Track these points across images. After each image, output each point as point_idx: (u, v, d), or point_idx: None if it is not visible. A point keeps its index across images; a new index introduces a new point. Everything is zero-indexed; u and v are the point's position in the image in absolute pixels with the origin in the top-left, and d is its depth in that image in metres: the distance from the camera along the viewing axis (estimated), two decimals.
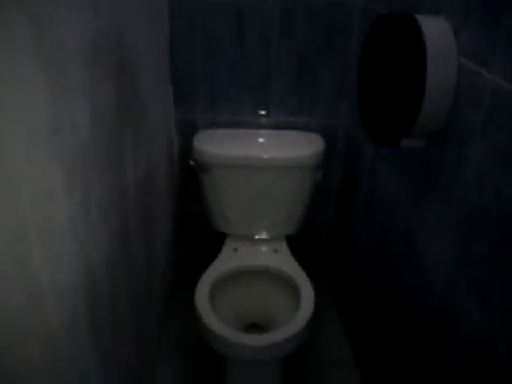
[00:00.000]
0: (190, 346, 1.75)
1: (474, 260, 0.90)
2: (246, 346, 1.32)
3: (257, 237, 1.73)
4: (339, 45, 1.63)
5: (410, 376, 1.22)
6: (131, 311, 1.11)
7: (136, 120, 1.15)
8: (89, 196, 0.78)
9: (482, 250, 0.87)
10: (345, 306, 1.88)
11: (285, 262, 1.63)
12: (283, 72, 1.66)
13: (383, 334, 1.42)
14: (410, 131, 0.99)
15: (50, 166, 0.63)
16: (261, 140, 1.69)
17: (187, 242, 1.98)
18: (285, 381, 1.55)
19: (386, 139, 1.06)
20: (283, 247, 1.71)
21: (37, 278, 0.58)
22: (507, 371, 0.80)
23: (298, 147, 1.63)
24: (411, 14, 0.96)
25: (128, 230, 1.06)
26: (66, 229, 0.68)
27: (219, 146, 1.61)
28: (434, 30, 0.94)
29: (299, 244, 1.78)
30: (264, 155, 1.58)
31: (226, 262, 1.62)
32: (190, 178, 1.76)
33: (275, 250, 1.69)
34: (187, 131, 1.71)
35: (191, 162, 1.64)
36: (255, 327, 1.63)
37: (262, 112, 1.73)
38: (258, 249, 1.71)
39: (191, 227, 1.95)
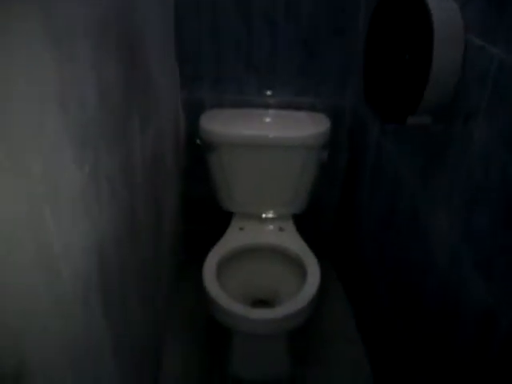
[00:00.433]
0: (197, 322, 1.78)
1: (479, 235, 0.91)
2: (253, 320, 1.35)
3: (263, 215, 1.75)
4: (345, 25, 1.62)
5: (414, 351, 1.25)
6: (139, 286, 1.14)
7: (144, 98, 1.16)
8: (98, 170, 0.80)
9: (487, 226, 0.88)
10: (350, 284, 1.91)
11: (291, 241, 1.65)
12: (289, 52, 1.66)
13: (388, 309, 1.45)
14: (416, 108, 0.99)
15: (60, 140, 0.64)
16: (267, 120, 1.70)
17: (194, 222, 2.00)
18: (291, 355, 1.59)
19: (392, 116, 1.07)
20: (289, 226, 1.73)
21: (51, 245, 0.60)
22: (508, 345, 0.81)
23: (304, 127, 1.64)
24: None
25: (136, 205, 1.07)
26: (78, 200, 0.70)
27: (226, 125, 1.62)
28: (441, 7, 0.93)
29: (305, 223, 1.80)
30: (270, 135, 1.59)
31: (232, 240, 1.65)
32: (196, 159, 1.78)
33: (281, 229, 1.71)
34: (193, 111, 1.72)
35: (198, 142, 1.65)
36: (262, 303, 1.66)
37: (268, 92, 1.73)
38: (265, 227, 1.73)
39: (198, 207, 1.97)
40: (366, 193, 1.67)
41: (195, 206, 1.97)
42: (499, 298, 0.84)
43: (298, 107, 1.74)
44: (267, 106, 1.74)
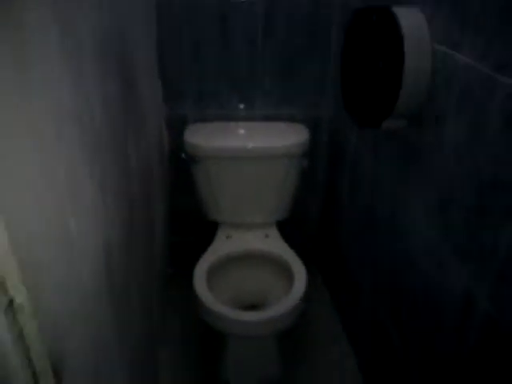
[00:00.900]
0: (188, 331, 1.82)
1: (454, 226, 0.99)
2: (244, 323, 1.40)
3: (248, 222, 1.81)
4: (320, 39, 1.72)
5: (400, 347, 1.32)
6: (139, 287, 1.18)
7: (135, 113, 1.22)
8: (105, 180, 0.85)
9: (461, 217, 0.97)
10: (335, 287, 1.98)
11: (276, 246, 1.72)
12: (268, 68, 1.75)
13: (372, 308, 1.52)
14: (391, 112, 1.08)
15: (75, 151, 0.70)
16: (249, 132, 1.77)
17: (180, 234, 2.05)
18: (281, 357, 1.64)
19: (369, 121, 1.16)
20: (274, 232, 1.80)
21: (72, 243, 0.66)
22: (487, 324, 0.90)
23: (284, 137, 1.72)
24: (388, 6, 1.05)
25: (133, 214, 1.13)
26: (89, 208, 0.75)
27: (210, 138, 1.69)
28: (410, 20, 1.04)
29: (289, 229, 1.87)
30: (253, 146, 1.67)
31: (220, 248, 1.70)
32: (180, 172, 1.84)
33: (267, 236, 1.78)
34: (177, 126, 1.79)
35: (183, 156, 1.71)
36: (251, 308, 1.71)
37: (249, 106, 1.81)
38: (251, 235, 1.79)
39: (183, 219, 2.02)
40: (346, 197, 1.75)
41: (181, 218, 2.01)
42: (476, 279, 0.92)
43: (278, 119, 1.82)
44: (249, 119, 1.82)
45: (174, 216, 1.99)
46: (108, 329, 0.86)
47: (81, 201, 0.70)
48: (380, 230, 1.42)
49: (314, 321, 1.90)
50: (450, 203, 1.01)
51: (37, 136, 0.55)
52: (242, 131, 1.77)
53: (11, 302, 0.42)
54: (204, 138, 1.69)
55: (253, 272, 1.71)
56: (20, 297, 0.43)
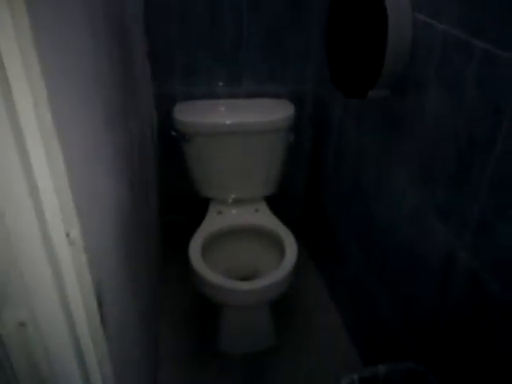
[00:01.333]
0: (185, 305, 1.88)
1: (437, 187, 1.06)
2: (239, 291, 1.47)
3: (239, 197, 1.86)
4: (303, 14, 1.76)
5: (389, 310, 1.39)
6: (146, 254, 1.25)
7: (132, 85, 1.26)
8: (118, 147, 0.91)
9: (443, 178, 1.03)
10: (322, 260, 2.05)
11: (267, 219, 1.77)
12: (253, 44, 1.78)
13: (359, 277, 1.59)
14: (375, 82, 1.13)
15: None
16: (237, 108, 1.81)
17: (172, 213, 2.09)
18: (274, 327, 1.71)
19: (355, 92, 1.21)
20: (264, 207, 1.85)
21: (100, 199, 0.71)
22: (468, 276, 0.96)
23: (271, 113, 1.77)
24: None
25: (134, 183, 1.19)
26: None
27: (199, 115, 1.72)
28: None
29: (277, 204, 1.92)
30: (240, 121, 1.71)
31: (213, 223, 1.75)
32: (169, 152, 1.88)
33: (257, 210, 1.83)
34: (165, 104, 1.81)
35: (173, 133, 1.74)
36: (245, 280, 1.77)
37: (236, 83, 1.85)
38: (241, 210, 1.84)
39: (174, 197, 2.05)
40: (331, 169, 1.81)
41: (172, 196, 2.05)
42: (456, 237, 0.99)
43: (263, 95, 1.86)
44: (235, 96, 1.86)
45: (165, 195, 2.03)
46: (120, 266, 0.92)
47: (102, 162, 0.76)
48: (365, 199, 1.48)
49: (303, 292, 1.97)
50: (432, 169, 1.07)
51: None
52: (230, 108, 1.80)
53: (68, 234, 0.48)
54: (193, 115, 1.72)
55: (245, 245, 1.77)
56: (74, 232, 0.49)
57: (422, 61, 1.06)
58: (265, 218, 1.79)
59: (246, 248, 1.77)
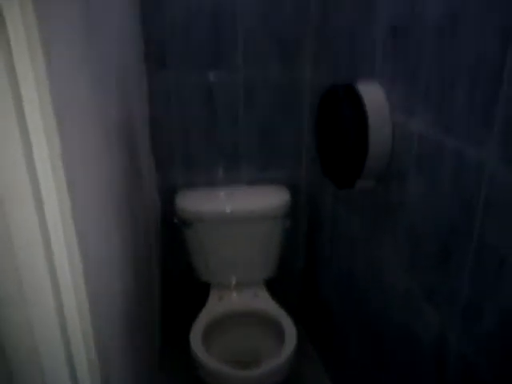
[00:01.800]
0: None
1: (424, 271, 1.12)
2: (241, 379, 1.47)
3: (239, 282, 1.91)
4: (295, 111, 1.92)
5: None
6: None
7: (137, 176, 1.36)
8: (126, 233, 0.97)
9: (430, 262, 1.09)
10: (321, 343, 2.04)
11: (266, 304, 1.81)
12: (250, 138, 1.94)
13: (358, 360, 1.59)
14: (360, 175, 1.24)
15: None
16: (235, 196, 1.91)
17: (172, 298, 2.12)
18: None
19: (344, 183, 1.31)
20: (263, 291, 1.89)
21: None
22: (459, 361, 1.00)
23: (268, 199, 1.87)
24: (351, 84, 1.24)
25: (138, 275, 1.23)
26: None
27: (199, 203, 1.82)
28: (371, 95, 1.22)
29: (276, 287, 1.97)
30: (239, 209, 1.81)
31: (214, 309, 1.79)
32: (171, 237, 1.96)
33: (256, 295, 1.87)
34: (167, 192, 1.93)
35: (175, 220, 1.83)
36: (245, 364, 1.76)
37: (235, 173, 1.98)
38: (241, 295, 1.88)
39: (176, 281, 2.10)
40: (327, 251, 1.87)
41: (173, 282, 2.10)
42: (446, 319, 1.03)
43: (260, 183, 1.98)
44: (235, 184, 1.98)
45: (167, 281, 2.07)
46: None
47: (112, 247, 0.83)
48: (358, 284, 1.53)
49: (302, 377, 1.94)
50: (418, 252, 1.14)
51: None
52: (229, 196, 1.91)
53: None
54: (194, 203, 1.82)
55: (246, 331, 1.78)
56: None
57: (402, 156, 1.17)
58: (264, 303, 1.82)
59: (247, 334, 1.79)
